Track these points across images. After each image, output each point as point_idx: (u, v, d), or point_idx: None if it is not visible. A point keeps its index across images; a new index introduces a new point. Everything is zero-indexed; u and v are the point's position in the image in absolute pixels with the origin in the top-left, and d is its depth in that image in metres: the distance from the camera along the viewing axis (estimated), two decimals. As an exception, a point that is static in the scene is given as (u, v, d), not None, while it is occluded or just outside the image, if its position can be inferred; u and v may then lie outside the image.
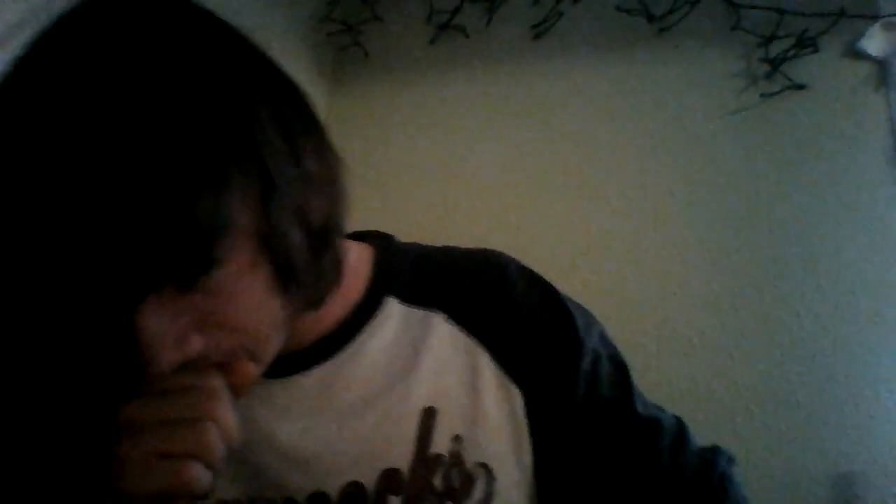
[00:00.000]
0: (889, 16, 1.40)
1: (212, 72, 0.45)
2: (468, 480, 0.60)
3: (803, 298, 1.39)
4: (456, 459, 0.61)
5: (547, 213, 1.51)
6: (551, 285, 0.71)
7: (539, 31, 1.59)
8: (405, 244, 0.75)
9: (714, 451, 0.68)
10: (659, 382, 1.37)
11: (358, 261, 0.69)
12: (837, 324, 1.36)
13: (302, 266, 0.53)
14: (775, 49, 1.45)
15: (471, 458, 0.61)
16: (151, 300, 0.44)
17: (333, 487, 0.60)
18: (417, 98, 1.66)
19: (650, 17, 1.52)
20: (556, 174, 1.53)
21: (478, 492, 0.60)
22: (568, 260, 1.47)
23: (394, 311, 0.67)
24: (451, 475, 0.60)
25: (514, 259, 0.73)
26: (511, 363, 0.64)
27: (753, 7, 1.46)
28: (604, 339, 0.71)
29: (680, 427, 0.68)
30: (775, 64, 1.45)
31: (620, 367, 0.69)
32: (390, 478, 0.59)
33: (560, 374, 0.64)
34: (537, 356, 0.65)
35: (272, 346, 0.55)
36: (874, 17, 1.41)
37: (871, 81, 1.43)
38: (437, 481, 0.60)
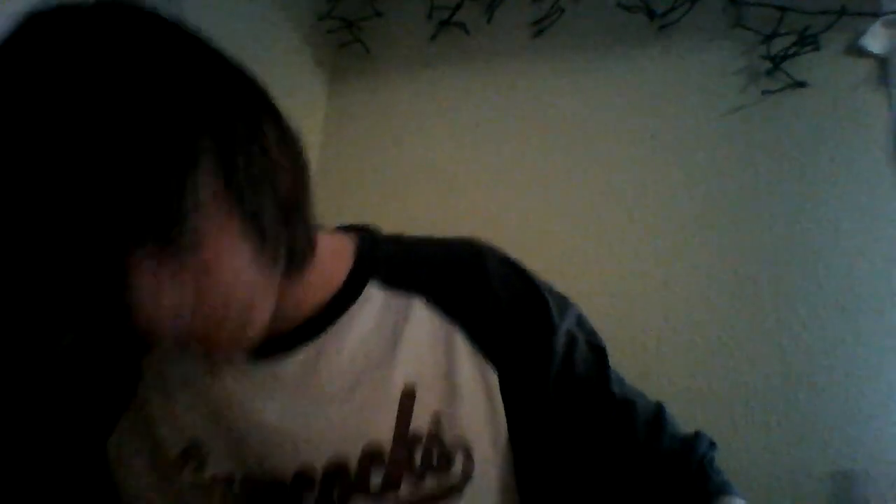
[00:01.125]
0: (891, 13, 1.39)
1: (175, 67, 0.51)
2: (447, 457, 0.63)
3: (804, 296, 1.38)
4: (435, 437, 0.63)
5: (547, 210, 1.51)
6: (527, 270, 0.74)
7: (540, 27, 1.59)
8: (387, 234, 0.78)
9: (695, 436, 0.71)
10: (659, 381, 1.37)
11: (341, 249, 0.72)
12: (838, 322, 1.36)
13: (274, 230, 0.57)
14: (776, 46, 1.45)
15: (449, 434, 0.63)
16: (142, 271, 0.47)
17: (318, 463, 0.62)
18: (418, 94, 1.66)
19: (651, 15, 1.51)
20: (556, 171, 1.53)
21: (456, 467, 0.63)
22: (567, 257, 1.47)
23: (375, 295, 0.70)
24: (431, 452, 0.63)
25: (491, 246, 0.76)
26: (486, 342, 0.67)
27: (754, 4, 1.46)
28: (581, 322, 0.74)
29: (659, 411, 0.71)
30: (776, 61, 1.45)
31: (597, 350, 0.72)
32: (372, 454, 0.62)
33: (533, 353, 0.67)
34: (511, 336, 0.67)
35: (259, 315, 0.58)
36: (876, 15, 1.40)
37: (872, 79, 1.42)
38: (418, 457, 0.62)
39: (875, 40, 1.41)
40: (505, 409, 0.66)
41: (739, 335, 1.39)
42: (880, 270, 1.37)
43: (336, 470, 0.61)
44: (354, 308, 0.68)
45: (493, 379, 0.66)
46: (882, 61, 1.42)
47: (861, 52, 1.42)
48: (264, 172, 0.56)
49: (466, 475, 0.63)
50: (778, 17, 1.44)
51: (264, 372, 0.66)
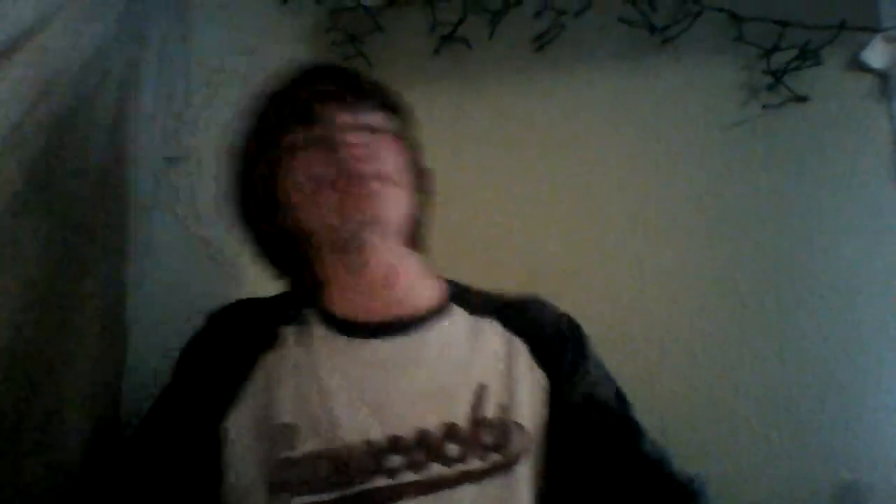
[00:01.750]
0: (891, 28, 1.40)
1: None
2: (507, 438, 0.81)
3: (805, 308, 1.39)
4: (500, 422, 0.81)
5: (548, 222, 1.51)
6: (577, 321, 0.96)
7: (541, 42, 1.59)
8: (467, 285, 1.00)
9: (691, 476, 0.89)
10: (660, 391, 1.37)
11: (435, 283, 0.96)
12: (840, 332, 1.36)
13: (421, 176, 0.99)
14: (777, 61, 1.46)
15: (510, 421, 0.82)
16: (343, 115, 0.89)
17: (407, 431, 0.79)
18: (420, 109, 1.66)
19: (652, 29, 1.52)
20: (557, 185, 1.53)
21: (514, 447, 0.80)
22: (569, 268, 1.47)
23: (460, 316, 0.92)
24: (495, 433, 0.80)
25: (549, 302, 0.99)
26: (541, 356, 0.88)
27: (755, 19, 1.46)
28: (608, 373, 0.95)
29: (664, 451, 0.90)
30: (777, 76, 1.46)
31: (621, 394, 0.92)
32: (451, 429, 0.79)
33: (569, 371, 0.89)
34: (558, 356, 0.89)
35: (394, 179, 0.89)
36: (876, 30, 1.41)
37: (873, 93, 1.43)
38: (485, 437, 0.80)
39: (875, 55, 1.42)
40: (548, 408, 0.86)
41: (741, 346, 1.39)
42: (882, 282, 1.37)
43: (422, 439, 0.78)
44: (444, 319, 0.90)
45: (543, 382, 0.87)
46: (882, 76, 1.43)
47: (861, 67, 1.43)
48: (420, 174, 0.99)
49: (521, 453, 0.81)
50: (779, 31, 1.44)
51: (361, 349, 0.85)
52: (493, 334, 0.90)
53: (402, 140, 0.95)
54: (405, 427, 0.79)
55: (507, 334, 0.90)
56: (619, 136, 1.53)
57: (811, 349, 1.37)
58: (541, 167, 1.55)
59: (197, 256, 1.27)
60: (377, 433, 0.78)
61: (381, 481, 0.76)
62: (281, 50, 1.52)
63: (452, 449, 0.78)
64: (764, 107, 1.47)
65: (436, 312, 0.91)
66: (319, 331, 0.87)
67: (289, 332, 0.88)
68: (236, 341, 0.88)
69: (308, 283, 0.94)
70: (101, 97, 0.91)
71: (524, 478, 0.81)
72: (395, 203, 0.88)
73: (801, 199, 1.43)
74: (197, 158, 1.43)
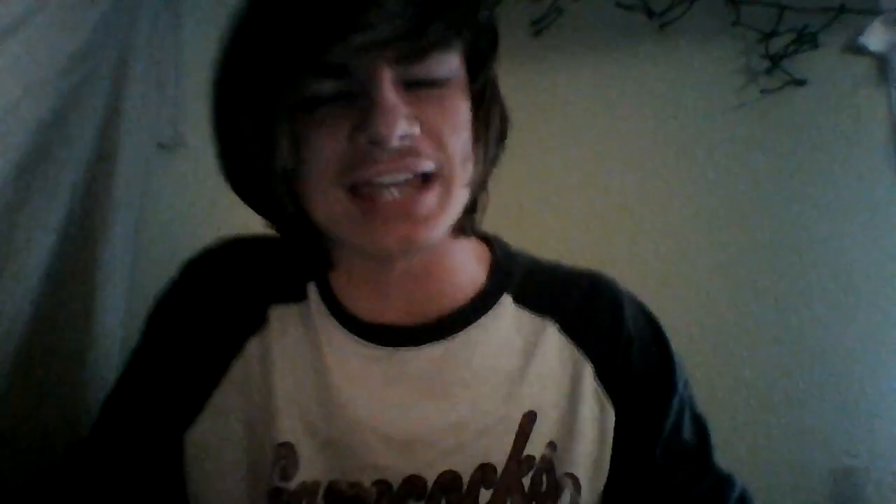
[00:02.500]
0: (890, 11, 1.39)
1: None
2: (555, 488, 0.62)
3: (804, 294, 1.39)
4: (547, 465, 0.63)
5: (546, 208, 1.51)
6: (658, 321, 0.74)
7: (539, 27, 1.58)
8: (516, 249, 0.78)
9: None
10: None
11: (478, 257, 0.74)
12: (838, 319, 1.36)
13: (492, 142, 0.68)
14: (775, 45, 1.45)
15: (561, 466, 0.63)
16: (389, 76, 0.54)
17: (430, 473, 0.61)
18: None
19: (650, 14, 1.51)
20: (554, 170, 1.52)
21: (564, 500, 0.62)
22: (565, 256, 1.46)
23: (507, 310, 0.70)
24: (541, 480, 0.62)
25: (625, 288, 0.76)
26: (611, 381, 0.67)
27: (753, 3, 1.45)
28: (689, 386, 0.74)
29: (746, 494, 0.71)
30: (775, 60, 1.45)
31: (700, 421, 0.72)
32: (485, 472, 0.62)
33: (651, 405, 0.68)
34: (635, 382, 0.68)
35: (456, 180, 0.61)
36: (875, 13, 1.40)
37: (871, 77, 1.42)
38: (527, 483, 0.62)
39: (874, 38, 1.41)
40: (613, 448, 0.66)
41: (740, 332, 1.39)
42: (880, 268, 1.37)
43: (448, 482, 0.61)
44: (487, 320, 0.68)
45: (611, 420, 0.66)
46: (881, 59, 1.42)
47: (860, 51, 1.43)
48: (496, 117, 0.69)
49: None
50: (777, 15, 1.43)
51: (384, 361, 0.65)
52: (550, 345, 0.68)
53: (477, 85, 0.65)
54: (428, 466, 0.62)
55: (570, 348, 0.68)
56: (615, 120, 1.52)
57: (810, 336, 1.37)
58: (536, 152, 1.54)
59: (191, 245, 1.26)
60: (394, 471, 0.61)
61: None
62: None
63: (485, 495, 0.61)
64: (762, 91, 1.46)
65: (479, 306, 0.69)
66: (326, 325, 0.67)
67: (284, 315, 0.68)
68: (215, 311, 0.69)
69: (314, 248, 0.69)
70: (91, 88, 0.90)
71: None
72: (444, 218, 0.61)
73: (800, 184, 1.43)
74: (191, 146, 1.42)
